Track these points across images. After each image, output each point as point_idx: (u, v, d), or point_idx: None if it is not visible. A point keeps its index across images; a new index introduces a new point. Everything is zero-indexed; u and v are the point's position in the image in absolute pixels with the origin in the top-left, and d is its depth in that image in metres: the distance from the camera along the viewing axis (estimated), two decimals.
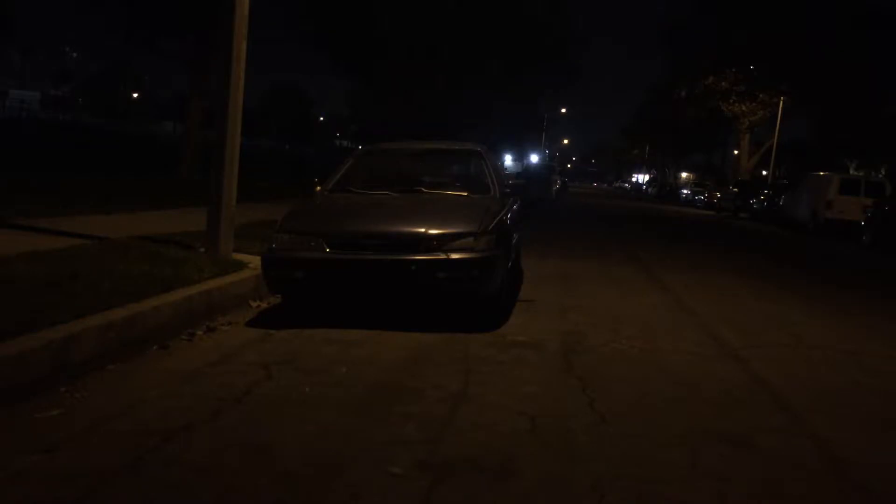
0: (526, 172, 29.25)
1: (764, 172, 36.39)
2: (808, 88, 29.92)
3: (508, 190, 6.23)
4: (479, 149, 6.64)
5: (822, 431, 3.25)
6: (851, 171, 34.75)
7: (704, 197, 36.89)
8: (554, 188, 25.43)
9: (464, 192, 5.77)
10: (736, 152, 40.04)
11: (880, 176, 28.77)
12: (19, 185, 9.76)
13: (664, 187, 53.78)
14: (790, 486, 2.66)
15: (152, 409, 3.03)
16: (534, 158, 50.15)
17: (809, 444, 3.09)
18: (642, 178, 79.79)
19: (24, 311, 3.39)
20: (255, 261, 5.45)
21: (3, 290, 3.75)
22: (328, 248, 4.62)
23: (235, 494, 2.33)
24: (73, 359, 3.28)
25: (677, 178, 62.67)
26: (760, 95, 32.92)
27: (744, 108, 34.16)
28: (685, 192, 44.88)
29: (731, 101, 34.08)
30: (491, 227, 4.86)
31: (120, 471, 2.43)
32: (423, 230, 4.65)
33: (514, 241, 6.07)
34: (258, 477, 2.45)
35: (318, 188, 5.96)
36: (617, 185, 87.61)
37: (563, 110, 58.44)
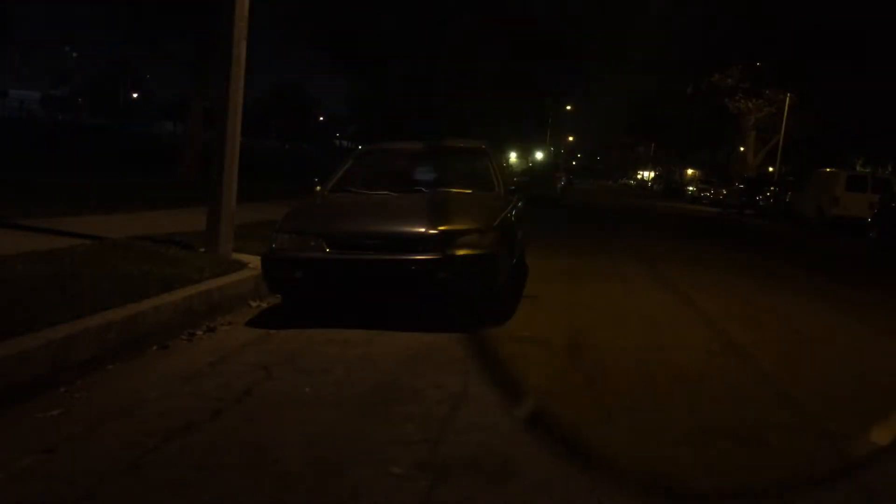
0: (530, 170, 29.20)
1: (770, 169, 36.16)
2: (814, 85, 29.72)
3: (513, 187, 6.21)
4: (482, 146, 6.63)
5: (830, 428, 3.22)
6: (858, 168, 34.56)
7: (710, 194, 36.72)
8: (559, 185, 25.29)
9: (467, 189, 5.75)
10: (742, 149, 39.84)
11: (887, 173, 28.60)
12: (19, 186, 9.78)
13: (670, 184, 53.55)
14: (798, 484, 2.63)
15: (152, 409, 3.02)
16: (538, 156, 50.12)
17: (817, 441, 3.07)
18: (647, 174, 79.45)
19: (24, 311, 3.39)
20: (255, 261, 5.43)
21: (3, 290, 3.74)
22: (328, 247, 4.59)
23: (235, 494, 2.32)
24: (73, 359, 3.27)
25: (682, 174, 62.38)
26: (766, 92, 32.73)
27: (750, 104, 33.97)
28: (691, 188, 44.69)
29: (737, 97, 33.89)
30: (495, 224, 4.84)
31: (120, 471, 2.42)
32: (424, 229, 4.61)
33: (518, 238, 6.05)
34: (258, 477, 2.43)
35: (318, 188, 5.94)
36: (622, 181, 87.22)
37: (568, 107, 58.29)
